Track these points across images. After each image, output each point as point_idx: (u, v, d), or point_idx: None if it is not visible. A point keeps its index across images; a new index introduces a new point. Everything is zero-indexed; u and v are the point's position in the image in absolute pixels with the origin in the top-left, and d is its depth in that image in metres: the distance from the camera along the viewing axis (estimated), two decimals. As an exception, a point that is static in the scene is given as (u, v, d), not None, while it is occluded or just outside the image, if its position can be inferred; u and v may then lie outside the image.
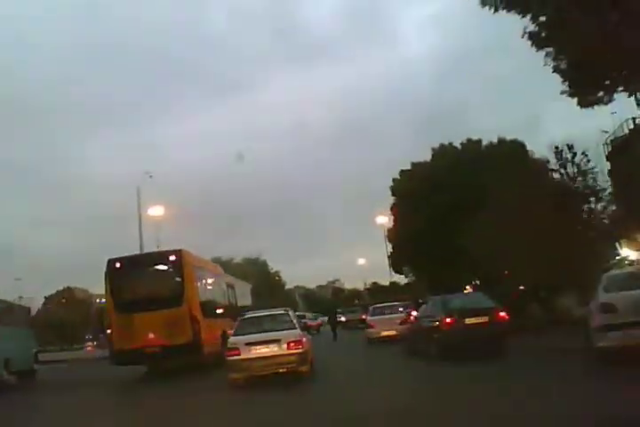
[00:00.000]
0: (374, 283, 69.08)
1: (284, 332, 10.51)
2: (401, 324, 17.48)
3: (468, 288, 28.71)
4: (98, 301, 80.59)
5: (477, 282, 28.37)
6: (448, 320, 11.32)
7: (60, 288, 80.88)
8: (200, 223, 71.44)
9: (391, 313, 19.60)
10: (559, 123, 60.05)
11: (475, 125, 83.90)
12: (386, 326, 18.59)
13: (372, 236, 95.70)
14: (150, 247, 29.18)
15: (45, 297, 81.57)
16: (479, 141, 26.35)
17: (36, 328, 19.44)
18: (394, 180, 29.20)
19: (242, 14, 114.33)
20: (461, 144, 26.61)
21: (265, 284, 61.66)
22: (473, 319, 11.27)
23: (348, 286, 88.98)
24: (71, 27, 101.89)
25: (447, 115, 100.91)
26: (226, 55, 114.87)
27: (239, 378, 10.14)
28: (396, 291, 56.06)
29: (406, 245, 27.59)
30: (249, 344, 10.15)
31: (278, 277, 67.82)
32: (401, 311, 19.61)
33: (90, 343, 30.84)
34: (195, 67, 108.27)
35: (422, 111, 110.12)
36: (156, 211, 32.40)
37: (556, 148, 17.50)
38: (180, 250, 14.00)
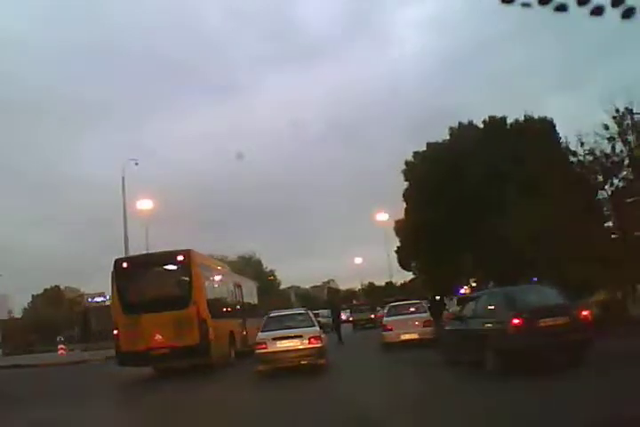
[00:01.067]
0: (370, 283, 69.56)
1: (305, 329, 12.20)
2: (425, 326, 15.91)
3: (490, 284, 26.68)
4: (89, 300, 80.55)
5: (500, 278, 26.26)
6: (517, 322, 8.71)
7: (48, 287, 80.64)
8: (193, 222, 71.38)
9: (411, 313, 17.05)
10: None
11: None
12: (406, 328, 16.05)
13: (368, 236, 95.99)
14: (140, 244, 29.63)
15: (33, 295, 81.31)
16: (503, 119, 23.92)
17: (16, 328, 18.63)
18: (407, 163, 26.94)
19: (237, 14, 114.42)
20: (483, 122, 24.20)
21: (259, 283, 61.77)
22: (549, 320, 8.71)
23: (342, 286, 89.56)
24: (65, 26, 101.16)
25: (442, 114, 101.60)
26: (220, 55, 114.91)
27: (266, 369, 11.64)
28: (391, 291, 56.64)
29: (420, 235, 25.10)
30: (275, 339, 11.75)
31: (273, 276, 67.92)
32: (422, 311, 17.23)
33: (62, 346, 30.20)
34: (188, 66, 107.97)
35: (417, 111, 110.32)
36: (144, 204, 32.37)
37: (617, 111, 14.86)
38: (188, 250, 14.09)
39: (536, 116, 22.98)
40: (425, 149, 26.35)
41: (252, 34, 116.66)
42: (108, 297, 62.28)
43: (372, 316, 34.63)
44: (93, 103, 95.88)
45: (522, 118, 23.07)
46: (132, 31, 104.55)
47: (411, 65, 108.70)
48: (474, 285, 34.41)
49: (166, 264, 14.22)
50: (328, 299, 62.00)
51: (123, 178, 28.10)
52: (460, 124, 24.69)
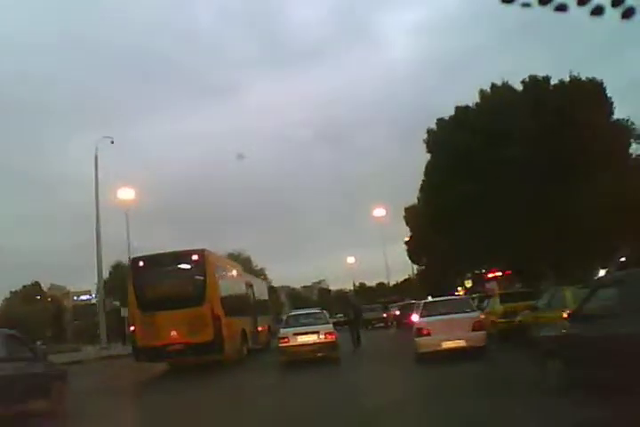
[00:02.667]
0: (362, 284, 70.85)
1: (321, 326, 14.33)
2: (475, 328, 11.95)
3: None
4: (74, 298, 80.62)
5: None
6: None
7: (29, 283, 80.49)
8: (183, 221, 72.26)
9: (455, 311, 12.70)
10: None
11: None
12: (449, 332, 11.90)
13: (360, 238, 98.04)
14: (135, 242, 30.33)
15: (11, 292, 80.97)
16: (546, 80, 20.89)
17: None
18: (429, 131, 23.75)
19: (229, 17, 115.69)
20: (523, 83, 21.24)
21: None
22: None
23: (333, 286, 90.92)
24: (57, 25, 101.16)
25: (434, 117, 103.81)
26: (212, 57, 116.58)
27: (288, 359, 13.67)
28: (384, 292, 57.82)
29: (444, 217, 22.32)
30: (296, 334, 13.84)
31: (263, 275, 68.79)
32: (469, 309, 13.15)
33: None
34: (180, 68, 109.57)
35: (409, 114, 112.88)
36: (125, 194, 31.69)
37: None
38: (202, 249, 15.09)
39: (583, 78, 20.57)
40: (447, 117, 23.29)
41: (246, 36, 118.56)
42: (94, 295, 62.50)
43: (384, 315, 35.83)
44: (83, 102, 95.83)
45: (567, 79, 20.58)
46: (125, 30, 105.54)
47: (403, 68, 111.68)
48: (468, 286, 35.59)
49: (181, 263, 15.17)
50: (338, 297, 62.29)
51: (96, 157, 26.54)
52: (492, 85, 21.77)
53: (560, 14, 3.21)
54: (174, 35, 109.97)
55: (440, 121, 23.56)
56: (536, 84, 21.00)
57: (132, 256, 35.31)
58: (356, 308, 20.33)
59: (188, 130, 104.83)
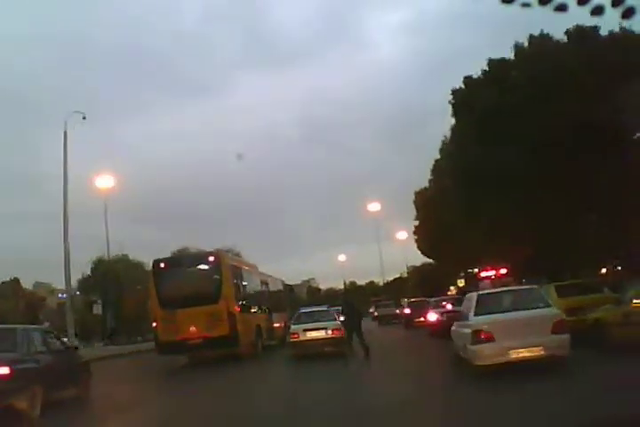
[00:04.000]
0: (352, 282, 72.68)
1: (329, 322, 15.97)
2: (555, 331, 8.83)
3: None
4: (60, 296, 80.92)
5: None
6: None
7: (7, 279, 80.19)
8: (171, 218, 73.43)
9: (522, 308, 9.44)
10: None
11: (445, 131, 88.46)
12: (521, 336, 8.80)
13: (348, 236, 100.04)
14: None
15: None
16: (595, 29, 17.95)
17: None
18: (454, 92, 20.45)
19: (215, 16, 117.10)
20: (567, 33, 18.49)
21: None
22: None
23: (322, 285, 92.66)
24: (44, 25, 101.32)
25: (419, 117, 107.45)
26: (198, 56, 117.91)
27: (298, 353, 15.22)
28: (374, 291, 59.56)
29: (470, 197, 19.62)
30: (305, 330, 15.43)
31: None
32: (542, 303, 9.63)
33: None
34: (165, 66, 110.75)
35: (394, 114, 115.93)
36: (104, 181, 31.35)
37: None
38: (218, 251, 16.83)
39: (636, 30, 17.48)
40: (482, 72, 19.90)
41: (232, 35, 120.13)
42: (77, 293, 63.26)
43: (397, 311, 36.65)
44: (68, 100, 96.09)
45: (617, 30, 17.91)
46: (110, 28, 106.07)
47: (389, 68, 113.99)
48: (461, 285, 36.94)
49: (199, 264, 16.86)
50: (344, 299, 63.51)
51: (65, 133, 24.53)
52: (530, 36, 19.30)
53: (558, 14, 3.14)
54: (160, 34, 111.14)
55: (468, 79, 20.12)
56: (584, 35, 18.22)
57: (109, 250, 35.85)
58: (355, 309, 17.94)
59: (175, 129, 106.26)
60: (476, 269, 32.09)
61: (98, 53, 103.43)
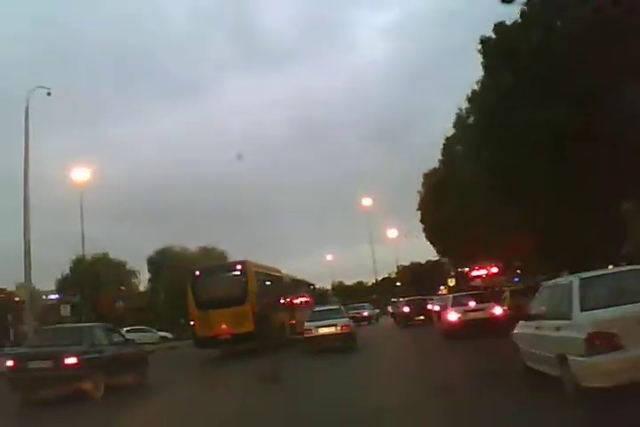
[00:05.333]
0: (340, 282, 76.07)
1: (339, 319, 18.33)
2: None
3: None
4: (44, 297, 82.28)
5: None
6: None
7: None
8: (158, 217, 76.16)
9: None
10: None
11: (432, 131, 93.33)
12: None
13: (336, 237, 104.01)
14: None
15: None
16: None
17: None
18: (483, 41, 17.79)
19: (202, 16, 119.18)
20: None
21: None
22: None
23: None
24: (29, 24, 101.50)
25: (406, 119, 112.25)
26: (186, 55, 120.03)
27: (311, 348, 17.63)
28: (363, 291, 62.81)
29: (505, 170, 16.64)
30: (318, 327, 17.84)
31: None
32: None
33: None
34: (152, 66, 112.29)
35: (382, 114, 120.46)
36: (81, 174, 30.53)
37: None
38: (244, 261, 20.39)
39: None
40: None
41: (219, 36, 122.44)
42: (58, 295, 64.81)
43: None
44: (53, 100, 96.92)
45: None
46: (96, 27, 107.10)
47: (376, 70, 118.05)
48: (452, 284, 39.01)
49: (228, 272, 20.43)
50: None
51: (26, 109, 23.71)
52: None
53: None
54: (145, 33, 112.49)
55: (500, 26, 17.51)
56: None
57: (84, 247, 36.41)
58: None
59: (162, 128, 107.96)
60: (467, 269, 32.85)
61: (84, 52, 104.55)
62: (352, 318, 22.23)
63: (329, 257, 68.89)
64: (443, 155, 28.26)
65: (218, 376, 15.70)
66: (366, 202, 48.84)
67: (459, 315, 17.94)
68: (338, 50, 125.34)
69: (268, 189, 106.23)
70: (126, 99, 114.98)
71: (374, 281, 62.95)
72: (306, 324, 18.63)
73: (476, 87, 19.91)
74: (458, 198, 23.50)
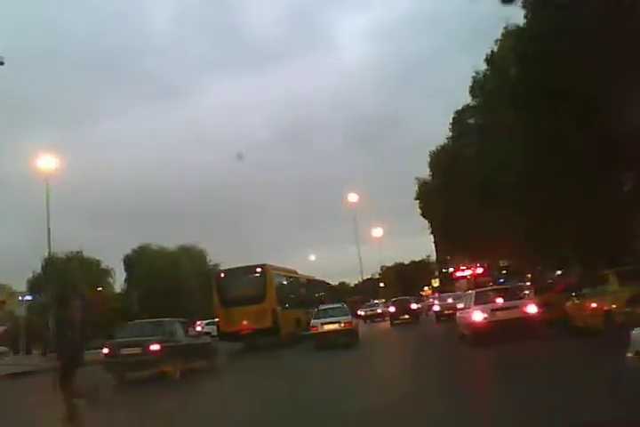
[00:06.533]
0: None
1: (342, 317, 20.43)
2: None
3: None
4: (20, 299, 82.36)
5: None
6: None
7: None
8: (140, 217, 77.67)
9: None
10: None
11: (415, 134, 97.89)
12: None
13: (320, 238, 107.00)
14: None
15: None
16: None
17: None
18: None
19: (186, 18, 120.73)
20: None
21: (201, 275, 62.69)
22: None
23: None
24: (10, 26, 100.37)
25: (385, 122, 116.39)
26: (167, 56, 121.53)
27: (317, 343, 19.85)
28: (346, 292, 65.51)
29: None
30: (322, 324, 20.00)
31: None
32: None
33: None
34: (135, 67, 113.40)
35: (365, 116, 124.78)
36: (46, 163, 30.19)
37: None
38: (264, 264, 23.22)
39: None
40: None
41: (202, 37, 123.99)
42: (32, 297, 65.25)
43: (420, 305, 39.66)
44: (35, 101, 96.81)
45: None
46: (78, 28, 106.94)
47: (361, 72, 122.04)
48: (436, 285, 41.41)
49: (249, 274, 23.20)
50: None
51: None
52: None
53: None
54: (129, 34, 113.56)
55: None
56: None
57: (52, 245, 35.74)
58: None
59: (144, 129, 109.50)
60: (451, 269, 34.96)
61: (62, 54, 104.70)
62: None
63: (312, 257, 71.19)
64: (452, 130, 26.01)
65: (256, 362, 18.76)
66: (352, 198, 49.52)
67: (485, 315, 14.02)
68: (322, 51, 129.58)
69: (252, 189, 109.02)
70: (109, 99, 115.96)
71: (358, 282, 65.51)
72: (312, 321, 20.83)
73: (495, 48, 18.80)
74: (472, 176, 21.29)
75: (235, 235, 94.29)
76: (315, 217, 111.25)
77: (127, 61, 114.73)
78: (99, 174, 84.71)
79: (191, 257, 68.96)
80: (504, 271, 36.76)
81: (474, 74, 22.05)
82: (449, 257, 40.14)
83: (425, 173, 31.69)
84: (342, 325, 20.00)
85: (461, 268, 35.10)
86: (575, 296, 14.04)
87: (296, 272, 29.19)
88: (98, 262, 66.77)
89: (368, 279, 67.17)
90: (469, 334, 14.96)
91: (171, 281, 60.17)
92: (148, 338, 13.74)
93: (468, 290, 27.13)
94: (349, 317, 21.06)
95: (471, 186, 21.69)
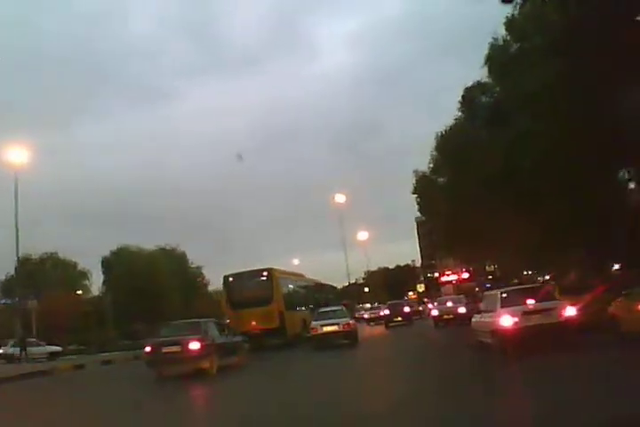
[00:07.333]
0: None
1: (341, 319, 21.75)
2: None
3: None
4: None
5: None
6: None
7: None
8: (115, 224, 77.99)
9: None
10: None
11: (393, 139, 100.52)
12: None
13: (304, 244, 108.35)
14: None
15: None
16: None
17: None
18: None
19: (168, 22, 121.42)
20: None
21: (181, 277, 66.73)
22: None
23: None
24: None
25: (366, 128, 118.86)
26: (147, 60, 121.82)
27: (317, 344, 21.11)
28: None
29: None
30: (322, 325, 21.26)
31: (201, 274, 72.81)
32: None
33: None
34: (116, 70, 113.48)
35: (342, 122, 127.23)
36: (16, 155, 29.63)
37: None
38: (271, 268, 24.83)
39: None
40: None
41: (183, 42, 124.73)
42: (4, 301, 64.29)
43: (420, 308, 41.70)
44: (14, 105, 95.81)
45: None
46: (57, 32, 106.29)
47: (341, 78, 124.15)
48: (421, 290, 42.65)
49: (257, 277, 24.78)
50: None
51: None
52: None
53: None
54: (110, 38, 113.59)
55: None
56: None
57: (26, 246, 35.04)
58: None
59: (125, 135, 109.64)
60: (437, 274, 36.01)
61: (45, 58, 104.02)
62: None
63: (295, 261, 72.18)
64: (462, 110, 23.91)
65: (279, 359, 20.47)
66: (339, 199, 50.18)
67: (515, 319, 11.96)
68: (305, 56, 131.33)
69: (236, 193, 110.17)
70: (90, 103, 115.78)
71: (342, 286, 66.92)
72: (312, 323, 22.05)
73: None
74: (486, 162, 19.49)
75: (218, 239, 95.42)
76: (299, 222, 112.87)
77: (112, 63, 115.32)
78: (81, 175, 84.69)
79: (171, 259, 69.17)
80: (490, 276, 38.02)
81: (491, 40, 20.58)
82: (434, 261, 40.89)
83: (422, 165, 28.52)
84: (341, 326, 21.24)
85: (447, 272, 36.53)
86: (625, 296, 12.26)
87: (303, 276, 30.91)
88: (74, 264, 66.54)
89: (352, 284, 68.48)
90: (494, 343, 12.59)
91: (149, 283, 60.04)
92: (187, 336, 15.14)
93: (460, 294, 28.88)
94: (348, 319, 22.35)
95: (485, 173, 19.66)
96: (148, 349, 15.48)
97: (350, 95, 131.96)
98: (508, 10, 17.29)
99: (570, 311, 12.10)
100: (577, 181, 16.86)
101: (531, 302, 12.31)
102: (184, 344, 14.91)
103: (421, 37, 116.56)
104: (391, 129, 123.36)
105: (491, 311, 13.18)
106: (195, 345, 14.88)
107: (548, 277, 30.24)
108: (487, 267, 35.60)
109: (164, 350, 15.08)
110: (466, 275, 31.69)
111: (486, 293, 15.77)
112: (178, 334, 15.66)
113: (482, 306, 14.83)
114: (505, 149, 18.38)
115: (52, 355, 35.64)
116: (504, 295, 13.22)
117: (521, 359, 10.90)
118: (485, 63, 21.17)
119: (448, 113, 25.19)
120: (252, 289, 24.60)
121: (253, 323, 23.71)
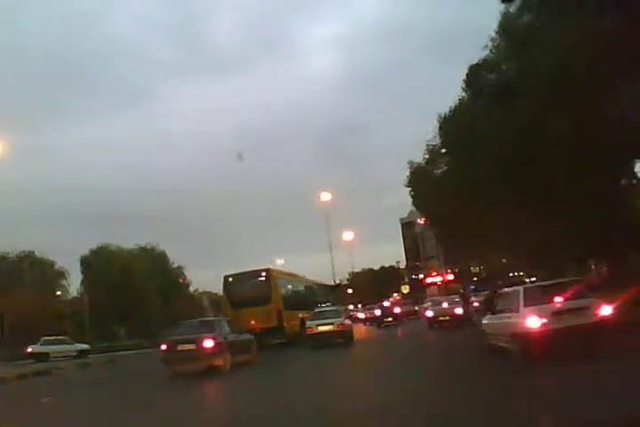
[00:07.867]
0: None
1: (336, 319, 22.64)
2: None
3: None
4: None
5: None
6: None
7: None
8: (101, 220, 77.63)
9: None
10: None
11: (376, 142, 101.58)
12: None
13: (290, 245, 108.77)
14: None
15: None
16: None
17: None
18: None
19: (148, 25, 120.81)
20: None
21: (162, 277, 66.03)
22: None
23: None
24: None
25: (349, 131, 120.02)
26: (130, 62, 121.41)
27: (313, 343, 21.83)
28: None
29: None
30: (317, 325, 22.09)
31: (182, 274, 72.51)
32: None
33: None
34: (97, 70, 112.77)
35: (325, 125, 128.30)
36: None
37: None
38: (269, 268, 25.55)
39: None
40: None
41: (164, 44, 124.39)
42: None
43: (416, 308, 42.72)
44: None
45: None
46: (43, 34, 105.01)
47: (324, 82, 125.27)
48: (405, 291, 43.34)
49: (256, 278, 25.44)
50: None
51: None
52: None
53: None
54: (91, 38, 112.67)
55: None
56: None
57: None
58: None
59: (109, 135, 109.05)
60: (422, 275, 36.77)
61: (27, 58, 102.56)
62: None
63: (280, 262, 72.46)
64: (467, 90, 21.34)
65: (283, 355, 21.39)
66: (325, 197, 50.30)
67: (544, 320, 10.30)
68: (285, 60, 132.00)
69: (221, 195, 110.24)
70: (74, 102, 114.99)
71: (333, 283, 67.81)
72: (307, 322, 22.83)
73: None
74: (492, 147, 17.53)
75: (202, 239, 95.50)
76: (284, 223, 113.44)
77: (88, 65, 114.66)
78: (65, 175, 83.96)
79: (151, 258, 68.93)
80: (475, 278, 39.21)
81: (502, 11, 18.55)
82: (418, 263, 41.88)
83: (417, 157, 25.99)
84: (336, 326, 22.05)
85: (432, 274, 37.35)
86: None
87: (303, 277, 31.66)
88: (52, 263, 65.77)
89: (337, 284, 69.34)
90: (515, 348, 10.93)
91: (127, 281, 59.85)
92: (202, 335, 15.73)
93: (449, 295, 29.14)
94: (342, 318, 23.15)
95: (496, 160, 17.54)
96: (163, 346, 16.03)
97: (335, 97, 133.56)
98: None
99: (606, 310, 10.36)
100: (593, 170, 15.72)
101: (559, 299, 10.62)
102: (199, 342, 15.46)
103: (403, 40, 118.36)
104: (377, 130, 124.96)
105: (510, 311, 11.53)
106: (209, 343, 15.44)
107: (534, 279, 30.15)
108: (472, 268, 36.44)
109: (180, 347, 15.63)
110: (451, 276, 32.12)
111: (505, 289, 14.65)
112: (192, 332, 16.23)
113: (497, 305, 13.19)
114: (518, 131, 16.32)
115: (82, 353, 35.36)
116: (528, 292, 11.38)
117: (554, 368, 9.22)
118: (497, 32, 19.05)
119: (432, 112, 23.12)
120: (251, 289, 25.24)
121: (252, 322, 24.28)
